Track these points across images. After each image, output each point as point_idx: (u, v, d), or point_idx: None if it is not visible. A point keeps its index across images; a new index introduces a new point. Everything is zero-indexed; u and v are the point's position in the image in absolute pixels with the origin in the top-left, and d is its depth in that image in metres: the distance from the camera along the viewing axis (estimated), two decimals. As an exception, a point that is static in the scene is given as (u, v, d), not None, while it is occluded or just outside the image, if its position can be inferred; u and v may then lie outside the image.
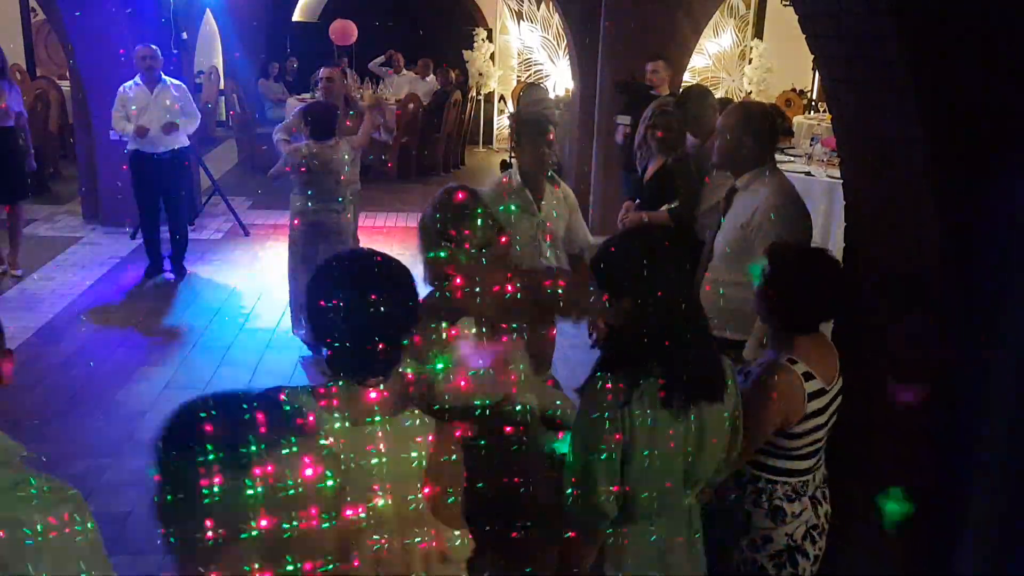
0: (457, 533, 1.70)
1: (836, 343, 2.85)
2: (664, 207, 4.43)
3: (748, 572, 2.40)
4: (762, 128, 3.19)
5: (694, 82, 12.41)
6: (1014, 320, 2.10)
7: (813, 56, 2.65)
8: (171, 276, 7.00)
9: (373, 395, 1.64)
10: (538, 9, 13.31)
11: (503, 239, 2.56)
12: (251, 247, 7.88)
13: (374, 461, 1.61)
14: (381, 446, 1.62)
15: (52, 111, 10.26)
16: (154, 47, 6.77)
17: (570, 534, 2.02)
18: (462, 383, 2.30)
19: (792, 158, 8.26)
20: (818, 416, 2.30)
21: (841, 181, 2.80)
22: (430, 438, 1.67)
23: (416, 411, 1.72)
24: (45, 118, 10.04)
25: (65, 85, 10.34)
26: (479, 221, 2.47)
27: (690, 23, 8.08)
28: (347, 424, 1.62)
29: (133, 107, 6.59)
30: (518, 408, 2.32)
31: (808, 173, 7.59)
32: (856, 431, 2.69)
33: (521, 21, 13.59)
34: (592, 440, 1.90)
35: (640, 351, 1.93)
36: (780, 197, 3.09)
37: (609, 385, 1.90)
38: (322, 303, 1.60)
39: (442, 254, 2.45)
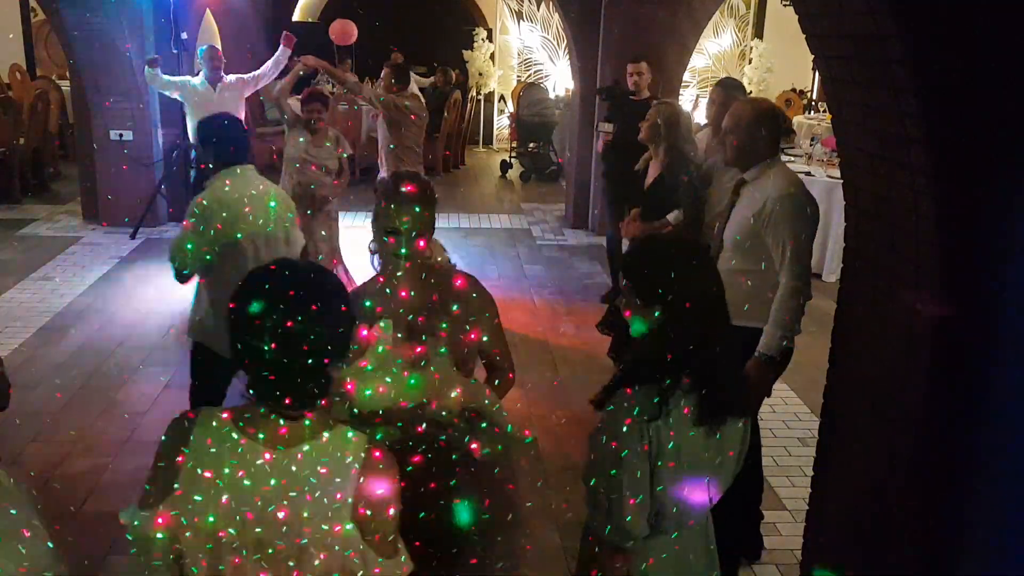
0: (390, 561, 1.61)
1: (835, 343, 2.86)
2: (670, 217, 4.38)
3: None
4: (772, 121, 3.28)
5: (694, 82, 12.47)
6: (1014, 321, 2.09)
7: (813, 56, 2.65)
8: None
9: (293, 423, 1.52)
10: (538, 9, 13.31)
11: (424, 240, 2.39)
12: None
13: (293, 493, 1.50)
14: (303, 473, 1.52)
15: (52, 111, 10.26)
16: (216, 46, 7.28)
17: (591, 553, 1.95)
18: (380, 388, 2.21)
19: (792, 158, 8.26)
20: None
21: (841, 181, 2.80)
22: (361, 456, 1.56)
23: (342, 428, 1.60)
24: (45, 118, 10.03)
25: (65, 85, 10.34)
26: (414, 209, 2.35)
27: (690, 23, 8.07)
28: (267, 454, 1.51)
29: (194, 100, 6.92)
30: (443, 413, 2.23)
31: (808, 173, 7.61)
32: (857, 429, 2.69)
33: (521, 21, 13.59)
34: (615, 460, 1.82)
35: (670, 364, 1.87)
36: (788, 186, 3.18)
37: (634, 401, 1.84)
38: (242, 319, 1.44)
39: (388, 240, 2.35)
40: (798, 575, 3.20)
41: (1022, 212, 2.04)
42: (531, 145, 11.95)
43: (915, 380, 2.35)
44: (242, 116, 7.24)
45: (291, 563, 1.52)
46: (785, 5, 11.29)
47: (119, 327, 5.89)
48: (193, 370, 3.79)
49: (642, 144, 4.68)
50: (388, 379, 2.23)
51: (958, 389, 2.23)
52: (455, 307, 2.39)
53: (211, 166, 3.57)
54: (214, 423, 1.53)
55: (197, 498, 1.49)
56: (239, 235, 3.48)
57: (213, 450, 1.50)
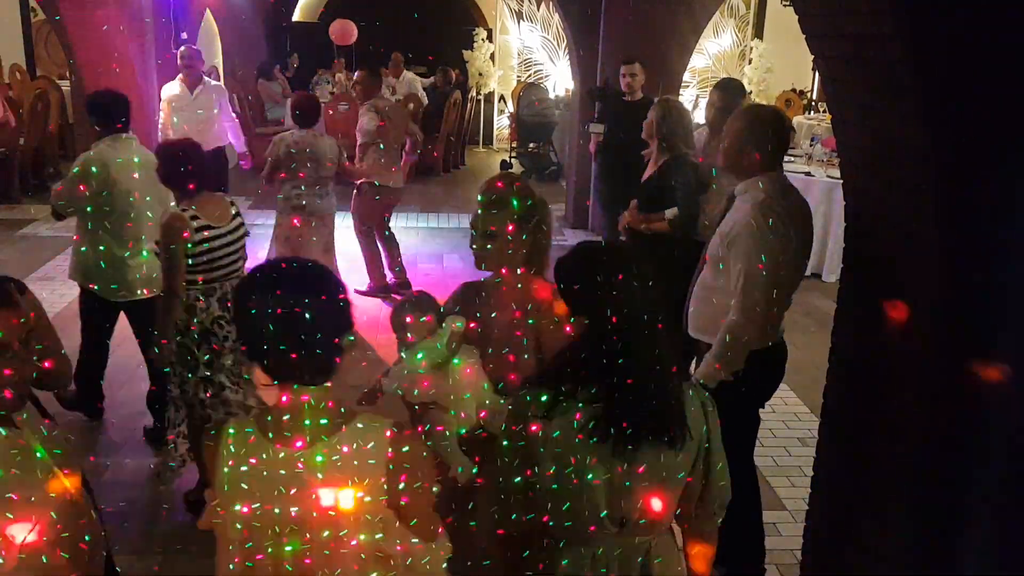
0: (430, 544, 1.65)
1: (835, 343, 2.86)
2: (667, 212, 4.37)
3: (180, 354, 3.54)
4: (767, 136, 3.04)
5: (694, 82, 12.47)
6: (1014, 321, 2.10)
7: (813, 56, 2.65)
8: None
9: (306, 404, 1.61)
10: (538, 9, 13.31)
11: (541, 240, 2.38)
12: (251, 247, 7.84)
13: (320, 485, 1.57)
14: (328, 463, 1.59)
15: (52, 111, 10.25)
16: (196, 47, 7.16)
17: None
18: (424, 383, 2.26)
19: (792, 158, 8.28)
20: None
21: (841, 181, 2.80)
22: (386, 440, 1.62)
23: (361, 416, 1.66)
24: (45, 118, 10.02)
25: (65, 85, 10.33)
26: (488, 208, 2.34)
27: (690, 23, 8.08)
28: (285, 449, 1.61)
29: (172, 104, 6.97)
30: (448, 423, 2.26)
31: (808, 173, 7.62)
32: (857, 428, 2.69)
33: (521, 21, 13.59)
34: (506, 450, 1.87)
35: (574, 371, 1.81)
36: (758, 214, 2.96)
37: (526, 399, 1.83)
38: (247, 310, 1.59)
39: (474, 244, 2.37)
40: (798, 575, 3.20)
41: (1022, 212, 2.04)
42: (531, 145, 11.95)
43: (915, 380, 2.35)
44: (214, 122, 7.17)
45: (326, 551, 1.59)
46: (785, 5, 11.30)
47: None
48: (81, 311, 4.53)
49: (635, 145, 4.66)
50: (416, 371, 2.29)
51: (958, 390, 2.23)
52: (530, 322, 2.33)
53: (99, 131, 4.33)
54: (232, 429, 1.66)
55: (234, 495, 1.62)
56: (115, 190, 4.21)
57: (243, 451, 1.62)
